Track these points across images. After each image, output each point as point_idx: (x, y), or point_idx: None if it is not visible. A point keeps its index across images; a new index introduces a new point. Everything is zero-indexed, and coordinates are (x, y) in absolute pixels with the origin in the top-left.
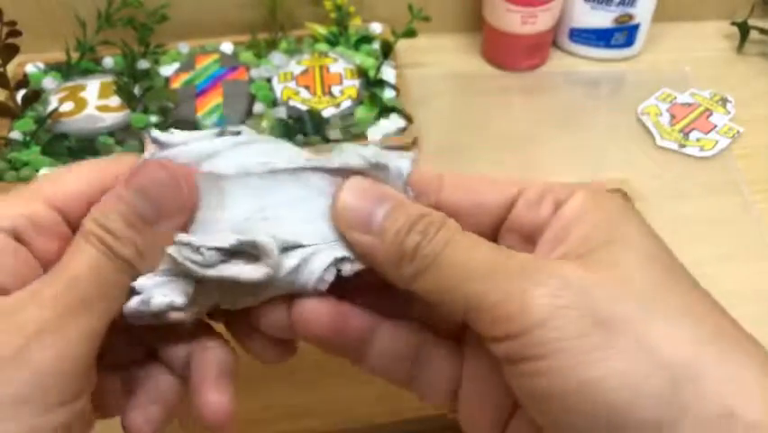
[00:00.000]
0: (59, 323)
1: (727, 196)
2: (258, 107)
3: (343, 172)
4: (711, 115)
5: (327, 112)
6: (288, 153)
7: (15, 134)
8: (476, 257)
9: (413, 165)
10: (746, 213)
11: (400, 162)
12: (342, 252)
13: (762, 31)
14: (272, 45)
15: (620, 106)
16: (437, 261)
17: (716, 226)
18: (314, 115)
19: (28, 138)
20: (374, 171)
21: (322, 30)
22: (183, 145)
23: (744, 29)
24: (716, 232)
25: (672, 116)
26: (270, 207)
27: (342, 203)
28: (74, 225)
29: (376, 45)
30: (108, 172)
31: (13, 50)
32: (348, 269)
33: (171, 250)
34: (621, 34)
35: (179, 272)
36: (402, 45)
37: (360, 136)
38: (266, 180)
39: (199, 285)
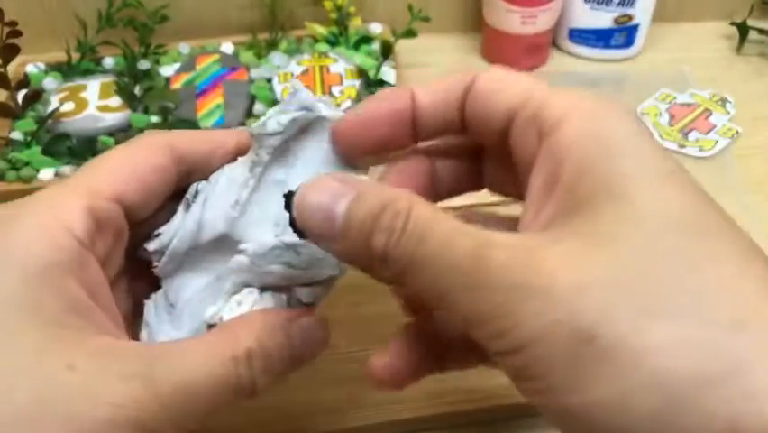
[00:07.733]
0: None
1: (727, 196)
2: (258, 108)
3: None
4: (711, 115)
5: None
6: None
7: (16, 134)
8: (454, 256)
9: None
10: (746, 213)
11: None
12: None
13: (761, 31)
14: (272, 45)
15: None
16: (411, 265)
17: None
18: None
19: (29, 138)
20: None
21: (322, 30)
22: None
23: (743, 29)
24: None
25: (672, 117)
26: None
27: (302, 204)
28: (129, 213)
29: (376, 45)
30: (144, 155)
31: (13, 51)
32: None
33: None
34: (621, 35)
35: None
36: (402, 45)
37: None
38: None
39: None
